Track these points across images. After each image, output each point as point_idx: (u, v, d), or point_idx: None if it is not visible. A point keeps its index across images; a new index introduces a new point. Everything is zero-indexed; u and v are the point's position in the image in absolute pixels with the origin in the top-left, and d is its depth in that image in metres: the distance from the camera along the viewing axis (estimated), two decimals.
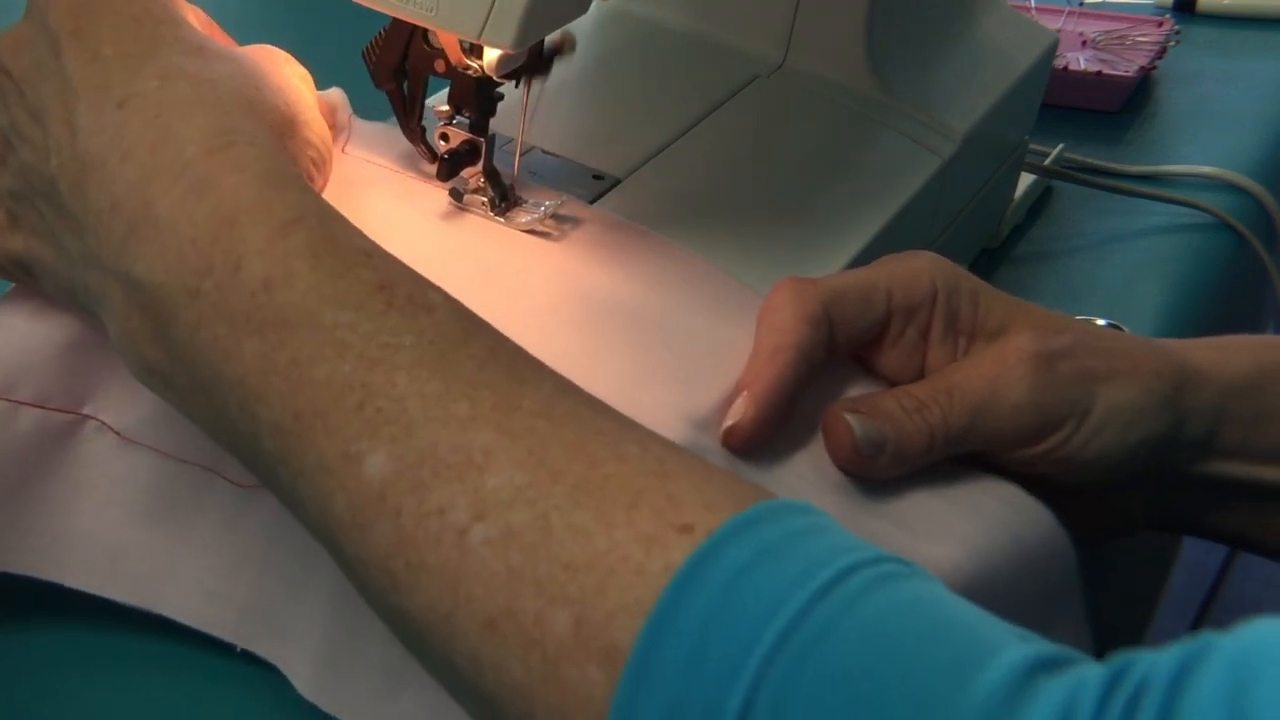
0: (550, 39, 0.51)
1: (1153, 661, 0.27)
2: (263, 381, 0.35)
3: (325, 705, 0.44)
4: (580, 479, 0.32)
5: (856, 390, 0.44)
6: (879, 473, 0.41)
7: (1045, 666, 0.28)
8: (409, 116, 0.51)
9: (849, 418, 0.41)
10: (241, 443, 0.37)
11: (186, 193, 0.37)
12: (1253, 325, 0.87)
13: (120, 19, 0.41)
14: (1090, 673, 0.28)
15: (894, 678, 0.28)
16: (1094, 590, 0.44)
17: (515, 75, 0.50)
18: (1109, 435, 0.43)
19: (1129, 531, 0.49)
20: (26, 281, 0.44)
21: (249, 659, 0.46)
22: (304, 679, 0.45)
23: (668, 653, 0.29)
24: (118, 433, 0.46)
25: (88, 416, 0.46)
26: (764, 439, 0.41)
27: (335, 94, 0.53)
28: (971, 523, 0.41)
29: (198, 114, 0.39)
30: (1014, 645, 0.29)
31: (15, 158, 0.42)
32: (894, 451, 0.41)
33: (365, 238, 0.38)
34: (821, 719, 0.28)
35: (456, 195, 0.51)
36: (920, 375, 0.45)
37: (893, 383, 0.45)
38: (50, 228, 0.41)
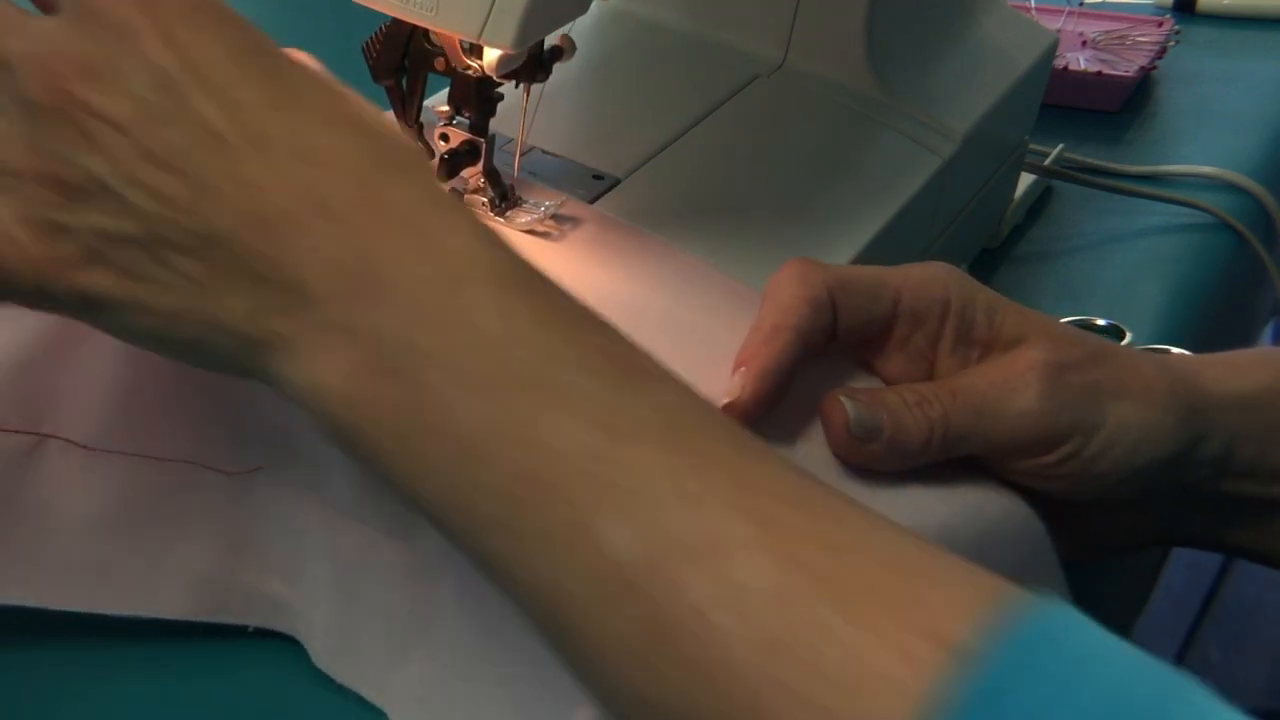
0: (549, 42, 0.51)
1: None
2: (488, 444, 0.33)
3: (337, 675, 0.45)
4: (835, 576, 0.30)
5: (861, 385, 0.44)
6: (874, 462, 0.41)
7: None
8: (407, 113, 0.51)
9: (844, 400, 0.41)
10: (451, 504, 0.34)
11: (406, 249, 0.35)
12: (1252, 325, 0.87)
13: (233, 52, 0.37)
14: None
15: None
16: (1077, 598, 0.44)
17: (515, 76, 0.50)
18: (1117, 452, 0.42)
19: (1137, 547, 0.49)
20: (82, 317, 0.38)
21: (244, 659, 0.46)
22: (316, 650, 0.45)
23: None
24: (82, 446, 0.45)
25: (48, 435, 0.45)
26: (760, 417, 0.41)
27: None
28: (942, 499, 0.41)
29: (385, 166, 0.36)
30: None
31: (125, 205, 0.36)
32: (889, 440, 0.41)
33: (580, 300, 0.36)
34: None
35: (456, 196, 0.51)
36: None
37: None
38: (181, 276, 0.36)
